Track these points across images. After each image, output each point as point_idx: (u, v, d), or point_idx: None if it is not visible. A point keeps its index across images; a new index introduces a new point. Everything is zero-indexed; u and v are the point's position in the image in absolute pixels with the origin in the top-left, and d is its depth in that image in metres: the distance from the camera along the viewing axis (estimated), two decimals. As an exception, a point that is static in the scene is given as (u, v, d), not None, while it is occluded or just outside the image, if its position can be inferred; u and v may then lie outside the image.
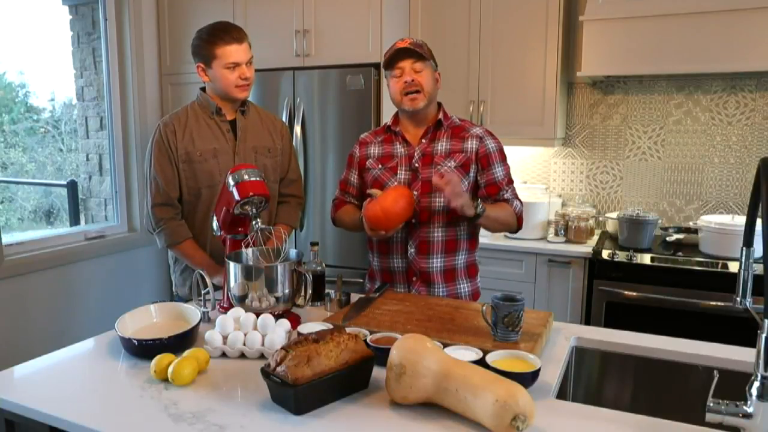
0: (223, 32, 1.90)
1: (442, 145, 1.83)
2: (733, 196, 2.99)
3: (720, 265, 2.48)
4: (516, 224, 1.85)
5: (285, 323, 1.46)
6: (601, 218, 3.22)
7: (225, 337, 1.42)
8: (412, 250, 1.83)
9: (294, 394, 1.12)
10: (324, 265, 1.81)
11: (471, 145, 1.82)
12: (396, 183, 1.83)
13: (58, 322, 2.99)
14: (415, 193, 1.78)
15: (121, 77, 3.38)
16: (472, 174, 1.82)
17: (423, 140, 1.85)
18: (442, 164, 1.80)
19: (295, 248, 2.93)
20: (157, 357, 1.29)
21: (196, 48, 1.93)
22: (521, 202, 1.87)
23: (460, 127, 1.86)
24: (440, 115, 1.86)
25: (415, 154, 1.84)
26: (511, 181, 1.87)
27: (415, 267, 1.84)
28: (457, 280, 1.87)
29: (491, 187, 1.83)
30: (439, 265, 1.84)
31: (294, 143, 3.03)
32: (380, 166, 1.88)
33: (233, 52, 1.89)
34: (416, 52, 1.75)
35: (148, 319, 1.57)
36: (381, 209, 1.67)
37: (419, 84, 1.76)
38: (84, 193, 3.77)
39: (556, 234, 2.94)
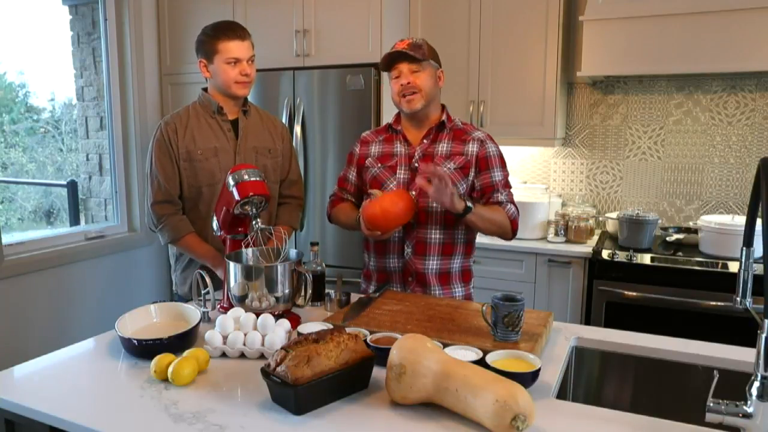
0: (226, 29, 1.93)
1: (443, 147, 1.83)
2: (733, 196, 2.99)
3: (720, 265, 2.48)
4: (510, 228, 1.81)
5: (285, 323, 1.46)
6: (601, 218, 3.22)
7: (225, 337, 1.42)
8: (409, 251, 1.83)
9: (294, 394, 1.12)
10: (324, 265, 1.81)
11: (472, 148, 1.82)
12: (395, 182, 1.83)
13: (58, 322, 2.99)
14: (413, 193, 1.76)
15: (121, 77, 3.38)
16: (470, 177, 1.82)
17: (425, 141, 1.85)
18: (441, 165, 1.78)
19: (295, 248, 2.93)
20: (157, 357, 1.29)
21: (200, 44, 1.95)
22: (517, 208, 1.83)
23: (462, 131, 1.86)
24: (443, 117, 1.86)
25: (416, 154, 1.84)
26: (508, 186, 1.84)
27: (411, 267, 1.84)
28: (452, 283, 1.87)
29: (487, 188, 1.81)
30: (435, 267, 1.83)
31: (294, 143, 3.03)
32: (379, 164, 1.88)
33: (234, 47, 1.91)
34: (410, 56, 1.74)
35: (148, 319, 1.57)
36: (380, 209, 1.66)
37: (416, 86, 1.76)
38: (84, 193, 3.77)
39: (556, 234, 2.94)
